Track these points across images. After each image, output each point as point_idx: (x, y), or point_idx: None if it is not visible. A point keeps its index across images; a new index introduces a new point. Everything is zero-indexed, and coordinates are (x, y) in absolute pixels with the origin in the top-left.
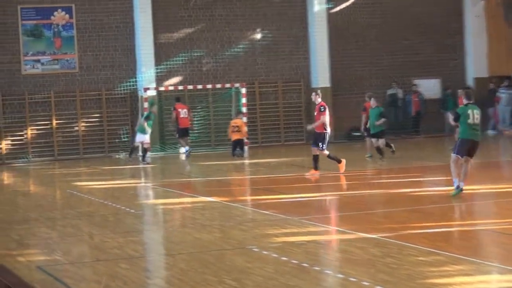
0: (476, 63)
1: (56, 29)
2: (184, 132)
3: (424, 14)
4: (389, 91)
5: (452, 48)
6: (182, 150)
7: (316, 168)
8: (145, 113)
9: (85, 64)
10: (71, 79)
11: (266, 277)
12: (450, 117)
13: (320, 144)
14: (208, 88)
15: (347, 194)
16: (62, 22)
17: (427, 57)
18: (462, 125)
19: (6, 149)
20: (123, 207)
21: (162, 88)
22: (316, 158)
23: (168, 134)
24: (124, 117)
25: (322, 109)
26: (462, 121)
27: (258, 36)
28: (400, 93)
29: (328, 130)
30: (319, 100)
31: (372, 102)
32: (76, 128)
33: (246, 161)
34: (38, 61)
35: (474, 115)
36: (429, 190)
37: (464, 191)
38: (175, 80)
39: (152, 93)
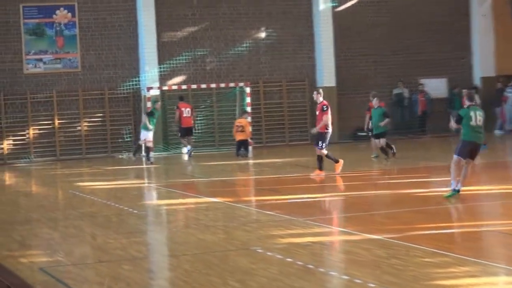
0: (483, 62)
1: (58, 28)
2: (186, 132)
3: (431, 12)
4: (395, 91)
5: (459, 47)
6: (185, 150)
7: (321, 168)
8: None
9: (87, 63)
10: (73, 78)
11: (270, 278)
12: (452, 122)
13: (320, 142)
14: (212, 88)
15: (352, 194)
16: (64, 20)
17: (434, 56)
18: (465, 127)
19: (8, 149)
20: (126, 208)
21: (165, 88)
22: (320, 158)
23: (172, 134)
24: (127, 117)
25: (325, 108)
26: (465, 123)
27: (263, 34)
28: (406, 92)
29: (330, 129)
30: (321, 99)
31: (375, 102)
32: (79, 128)
33: (250, 161)
34: (40, 60)
35: (477, 117)
36: (435, 191)
37: (471, 192)
38: (178, 79)
39: (155, 92)
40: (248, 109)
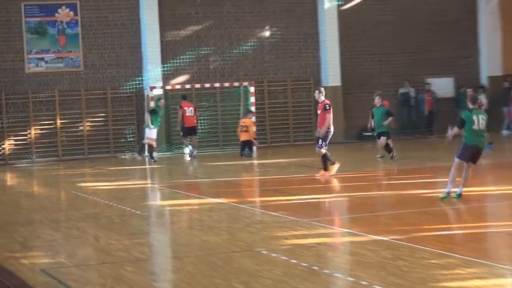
0: (490, 61)
1: (60, 27)
2: (189, 131)
3: (437, 11)
4: (401, 90)
5: (466, 45)
6: (186, 150)
7: (325, 168)
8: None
9: (90, 62)
10: (75, 77)
11: (275, 280)
12: (450, 131)
13: (320, 141)
14: (215, 87)
15: (357, 195)
16: (66, 19)
17: (440, 55)
18: (467, 131)
19: (9, 149)
20: (128, 209)
21: (168, 87)
22: (324, 159)
23: (175, 134)
24: (130, 117)
25: (328, 108)
26: (467, 127)
27: (267, 33)
28: (412, 91)
29: (332, 129)
30: (322, 98)
31: (377, 100)
32: (81, 128)
33: (255, 162)
34: (42, 59)
35: (479, 120)
36: (441, 192)
37: (476, 193)
38: (182, 78)
39: (158, 91)
40: (252, 108)
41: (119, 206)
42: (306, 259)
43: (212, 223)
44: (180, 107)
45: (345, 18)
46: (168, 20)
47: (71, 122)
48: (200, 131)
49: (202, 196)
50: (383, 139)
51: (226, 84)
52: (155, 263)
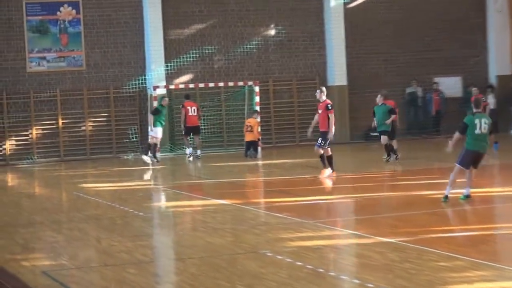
0: (499, 60)
1: (62, 25)
2: (192, 131)
3: (444, 9)
4: (408, 89)
5: (474, 44)
6: (187, 151)
7: (332, 169)
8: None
9: (92, 61)
10: (77, 77)
11: (280, 282)
12: (450, 144)
13: (320, 140)
14: (220, 86)
15: (363, 196)
16: (68, 17)
17: (448, 54)
18: (469, 135)
19: (10, 149)
20: (131, 210)
21: (172, 86)
22: (329, 159)
23: (179, 134)
24: (133, 116)
25: (330, 107)
26: (469, 132)
27: (272, 32)
28: (419, 91)
29: (333, 129)
30: (324, 97)
31: (379, 99)
32: (83, 128)
33: (260, 162)
34: (44, 58)
35: (482, 124)
36: (449, 193)
37: (485, 194)
38: (185, 77)
39: (162, 91)
40: (257, 108)
41: (122, 207)
42: (312, 261)
43: (216, 224)
44: (183, 106)
45: (351, 16)
46: (171, 18)
47: (73, 122)
48: (204, 131)
49: (206, 197)
50: (384, 138)
51: (231, 84)
52: (158, 265)
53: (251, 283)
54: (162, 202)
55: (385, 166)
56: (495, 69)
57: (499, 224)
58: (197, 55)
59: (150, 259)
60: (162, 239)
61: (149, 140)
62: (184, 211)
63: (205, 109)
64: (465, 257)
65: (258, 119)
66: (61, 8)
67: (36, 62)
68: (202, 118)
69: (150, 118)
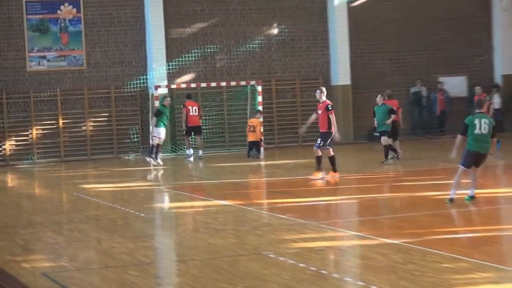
0: (504, 59)
1: (62, 24)
2: (193, 131)
3: (449, 8)
4: (413, 89)
5: (479, 43)
6: (188, 152)
7: (334, 170)
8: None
9: (93, 60)
10: (78, 76)
11: (282, 284)
12: (453, 151)
13: (319, 140)
14: (222, 86)
15: (367, 197)
16: (69, 16)
17: (453, 53)
18: (469, 136)
19: (10, 149)
20: (132, 211)
21: (174, 86)
22: (332, 160)
23: (180, 134)
24: (134, 116)
25: (330, 108)
26: (470, 132)
27: (275, 31)
28: (424, 91)
29: (333, 130)
30: (324, 98)
31: (379, 99)
32: (84, 128)
33: (262, 163)
34: (44, 57)
35: (482, 124)
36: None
37: (490, 195)
38: (187, 77)
39: (163, 90)
40: (260, 108)
41: (123, 208)
42: (315, 263)
43: (218, 225)
44: (184, 106)
45: (355, 15)
46: (173, 17)
47: (73, 122)
48: (206, 131)
49: (207, 198)
50: (384, 139)
51: (233, 83)
52: (160, 266)
53: (254, 285)
54: (163, 203)
55: (389, 166)
56: (500, 69)
57: (504, 225)
58: (199, 54)
59: (152, 261)
60: (163, 240)
61: (152, 141)
62: (186, 212)
63: (207, 109)
64: (470, 259)
65: (261, 119)
66: (62, 7)
67: (36, 61)
68: (203, 118)
69: (153, 120)
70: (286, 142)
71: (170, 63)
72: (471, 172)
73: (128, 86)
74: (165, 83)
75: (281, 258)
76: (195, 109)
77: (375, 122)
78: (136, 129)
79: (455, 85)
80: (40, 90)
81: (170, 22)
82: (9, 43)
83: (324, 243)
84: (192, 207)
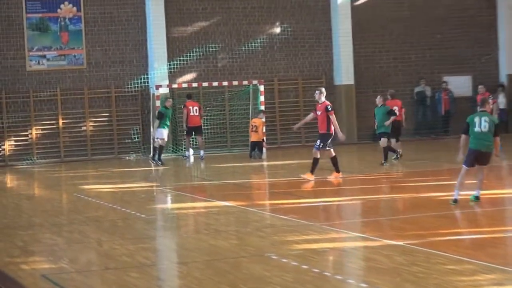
0: (510, 59)
1: (63, 23)
2: (194, 131)
3: (454, 6)
4: (417, 89)
5: (484, 42)
6: (189, 153)
7: (337, 170)
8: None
9: (93, 59)
10: (78, 75)
11: (285, 286)
12: (460, 153)
13: (319, 141)
14: (224, 86)
15: (370, 198)
16: (69, 15)
17: (458, 53)
18: (471, 134)
19: (9, 150)
20: (133, 212)
21: (175, 85)
22: (334, 161)
23: (182, 135)
24: (135, 116)
25: (330, 109)
26: (471, 130)
27: (277, 30)
28: (428, 90)
29: (332, 131)
30: (323, 99)
31: (378, 100)
32: (84, 128)
33: (264, 163)
34: (44, 56)
35: (482, 122)
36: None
37: (495, 196)
38: (189, 76)
39: (164, 90)
40: (262, 108)
41: (123, 209)
42: (318, 264)
43: (220, 227)
44: (185, 106)
45: (358, 13)
46: (174, 16)
47: (73, 122)
48: (207, 131)
49: (209, 199)
50: (383, 141)
51: (235, 83)
52: (161, 268)
53: (256, 287)
54: (164, 204)
55: (391, 167)
56: (505, 68)
57: (509, 226)
58: (201, 54)
59: (153, 263)
60: (164, 241)
61: (155, 143)
62: (187, 213)
63: (208, 108)
64: (474, 260)
65: (263, 119)
66: (62, 5)
67: (36, 61)
68: (205, 118)
69: (156, 123)
70: (289, 143)
71: (171, 62)
72: (478, 172)
73: (129, 86)
74: (166, 82)
75: (284, 260)
76: (196, 109)
77: (375, 123)
78: (137, 129)
79: (459, 84)
80: (40, 90)
81: (171, 20)
82: (9, 42)
83: (327, 244)
84: (193, 208)
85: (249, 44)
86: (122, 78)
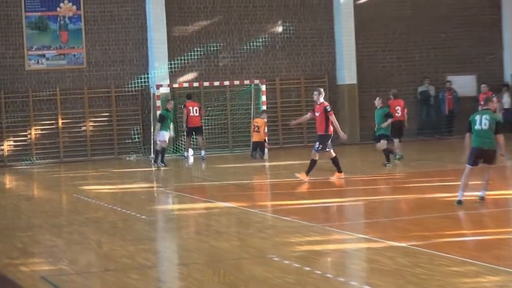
0: None
1: (62, 22)
2: (194, 131)
3: (458, 5)
4: (421, 88)
5: (488, 41)
6: (189, 153)
7: (339, 170)
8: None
9: (93, 59)
10: (78, 75)
11: None
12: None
13: (317, 144)
14: (225, 85)
15: (373, 199)
16: (69, 13)
17: (462, 52)
18: (473, 132)
19: (8, 150)
20: (133, 213)
21: (176, 85)
22: (335, 161)
23: (182, 135)
24: (135, 116)
25: (329, 109)
26: (472, 129)
27: (279, 28)
28: (432, 90)
29: (331, 132)
30: (322, 99)
31: (377, 102)
32: (84, 128)
33: (266, 164)
34: (43, 56)
35: (482, 120)
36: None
37: (500, 197)
38: (190, 76)
39: (165, 90)
40: (264, 107)
41: (123, 210)
42: (320, 266)
43: (221, 228)
44: (185, 106)
45: (361, 12)
46: (175, 14)
47: (73, 122)
48: (209, 131)
49: (210, 200)
50: (383, 142)
51: (236, 82)
52: (161, 270)
53: None
54: (165, 205)
55: (396, 168)
56: (510, 68)
57: None
58: (202, 53)
59: (153, 264)
60: (165, 243)
61: (157, 146)
62: (188, 214)
63: (209, 108)
64: (478, 262)
65: (265, 119)
66: (61, 4)
67: (35, 60)
68: (205, 117)
69: (157, 126)
70: (291, 143)
71: (172, 62)
72: (484, 172)
73: (129, 85)
74: (167, 82)
75: (286, 262)
76: (196, 110)
77: (375, 125)
78: (137, 129)
79: (464, 84)
80: (39, 90)
81: (172, 19)
82: (8, 41)
83: (329, 246)
84: (194, 209)
85: (251, 43)
86: (122, 77)
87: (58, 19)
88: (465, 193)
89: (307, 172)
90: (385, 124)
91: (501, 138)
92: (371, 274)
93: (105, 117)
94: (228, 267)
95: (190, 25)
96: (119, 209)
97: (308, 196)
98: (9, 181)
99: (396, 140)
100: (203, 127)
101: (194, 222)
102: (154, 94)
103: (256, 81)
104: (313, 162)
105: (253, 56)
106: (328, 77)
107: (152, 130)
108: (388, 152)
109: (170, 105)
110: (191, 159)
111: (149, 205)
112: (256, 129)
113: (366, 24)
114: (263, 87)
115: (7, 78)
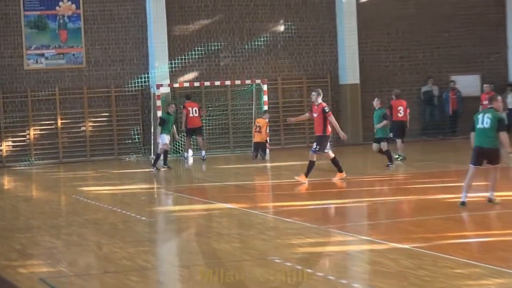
0: None
1: (61, 21)
2: (193, 132)
3: (462, 4)
4: (424, 88)
5: (493, 41)
6: (186, 154)
7: (340, 170)
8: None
9: (93, 58)
10: (77, 75)
11: None
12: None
13: (315, 145)
14: (226, 85)
15: (376, 200)
16: (68, 12)
17: (466, 51)
18: (475, 131)
19: (7, 150)
20: (133, 214)
21: (176, 85)
22: (335, 161)
23: (182, 136)
24: (135, 116)
25: (327, 110)
26: (475, 128)
27: (281, 28)
28: (436, 90)
29: (328, 133)
30: (320, 100)
31: (376, 103)
32: (83, 128)
33: (268, 165)
34: (42, 55)
35: (484, 119)
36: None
37: (504, 198)
38: (190, 75)
39: (165, 90)
40: (266, 107)
41: (123, 211)
42: (322, 268)
43: (222, 229)
44: (184, 107)
45: (364, 11)
46: (176, 13)
47: (72, 122)
48: (209, 132)
49: (211, 201)
50: (383, 145)
51: (238, 82)
52: (162, 272)
53: None
54: (165, 206)
55: (399, 168)
56: None
57: None
58: (203, 52)
59: (153, 266)
60: (165, 245)
61: (159, 150)
62: (189, 215)
63: (210, 108)
64: (483, 264)
65: (267, 120)
66: (60, 3)
67: (34, 59)
68: (206, 118)
69: (158, 129)
70: (293, 143)
71: (173, 61)
72: (489, 173)
73: (129, 85)
74: (167, 82)
75: (288, 263)
76: (195, 110)
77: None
78: (137, 130)
79: (467, 84)
80: (38, 89)
81: (172, 18)
82: (6, 40)
83: (331, 247)
84: (195, 210)
85: (252, 43)
86: (122, 77)
87: (57, 18)
88: (469, 194)
89: (306, 174)
90: (379, 125)
91: (503, 135)
92: (374, 276)
93: (104, 117)
94: (229, 269)
95: (191, 24)
96: (119, 210)
97: (310, 197)
98: (7, 182)
99: (398, 141)
100: (204, 127)
101: (195, 223)
102: (154, 94)
103: (258, 81)
104: (311, 164)
105: (254, 55)
106: (330, 77)
107: (152, 130)
108: (389, 153)
109: (171, 109)
110: (190, 160)
111: (149, 206)
112: (258, 129)
113: (368, 23)
114: (265, 87)
115: (6, 77)
